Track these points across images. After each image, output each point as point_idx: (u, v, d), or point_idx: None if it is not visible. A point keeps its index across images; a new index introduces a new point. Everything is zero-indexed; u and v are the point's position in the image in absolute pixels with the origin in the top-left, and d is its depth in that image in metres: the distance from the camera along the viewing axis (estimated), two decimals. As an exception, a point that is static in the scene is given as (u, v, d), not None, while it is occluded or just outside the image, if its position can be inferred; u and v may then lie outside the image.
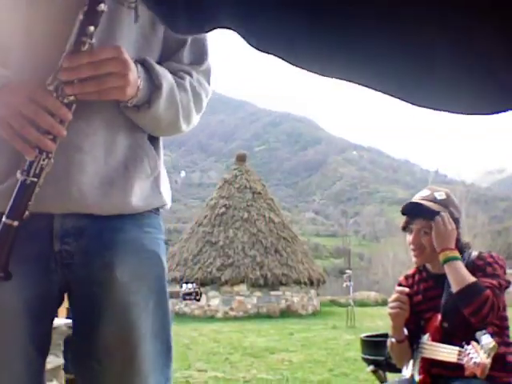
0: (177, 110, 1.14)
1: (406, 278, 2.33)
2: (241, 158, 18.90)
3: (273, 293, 15.73)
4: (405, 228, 2.25)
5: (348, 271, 14.72)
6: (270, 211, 17.32)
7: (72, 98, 0.98)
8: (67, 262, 1.08)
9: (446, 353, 1.99)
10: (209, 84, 1.23)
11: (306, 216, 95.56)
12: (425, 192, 2.23)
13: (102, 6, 0.97)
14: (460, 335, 2.04)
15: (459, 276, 2.02)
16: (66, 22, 1.00)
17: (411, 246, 2.19)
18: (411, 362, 2.26)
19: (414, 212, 2.18)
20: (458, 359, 1.90)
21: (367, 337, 3.42)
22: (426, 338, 2.17)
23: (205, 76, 1.22)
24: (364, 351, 3.31)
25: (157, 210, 1.19)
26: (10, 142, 0.98)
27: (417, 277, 2.29)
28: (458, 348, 1.92)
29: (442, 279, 2.17)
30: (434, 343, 2.10)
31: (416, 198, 2.22)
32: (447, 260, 2.06)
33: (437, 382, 2.13)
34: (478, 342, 1.86)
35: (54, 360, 2.08)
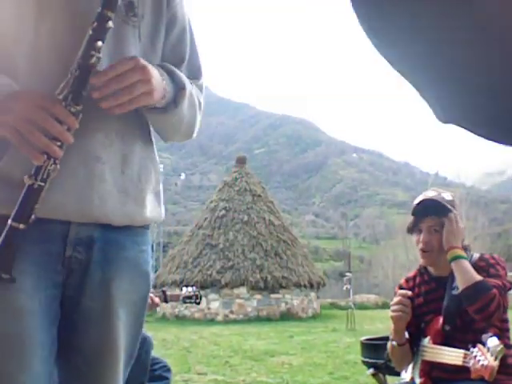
0: (195, 111, 1.24)
1: (407, 280, 2.32)
2: (241, 161, 18.90)
3: (273, 296, 15.71)
4: (411, 229, 2.23)
5: (348, 274, 14.72)
6: (269, 214, 17.32)
7: (79, 107, 1.02)
8: (73, 267, 1.14)
9: (451, 356, 1.98)
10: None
11: (305, 218, 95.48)
12: (431, 193, 2.22)
13: (110, 23, 1.04)
14: (461, 338, 2.03)
15: (467, 274, 2.01)
16: (71, 36, 1.06)
17: (420, 245, 2.17)
18: (411, 365, 2.26)
19: (425, 210, 2.16)
20: (464, 362, 1.89)
21: (367, 340, 3.41)
22: (426, 340, 2.16)
23: (200, 90, 1.33)
24: (364, 354, 3.30)
25: (148, 225, 1.27)
26: (18, 148, 1.02)
27: (418, 279, 2.28)
28: (463, 351, 1.91)
29: (443, 281, 2.16)
30: (437, 346, 2.09)
31: (422, 198, 2.21)
32: (455, 258, 2.05)
33: (437, 385, 2.12)
34: (483, 344, 1.85)
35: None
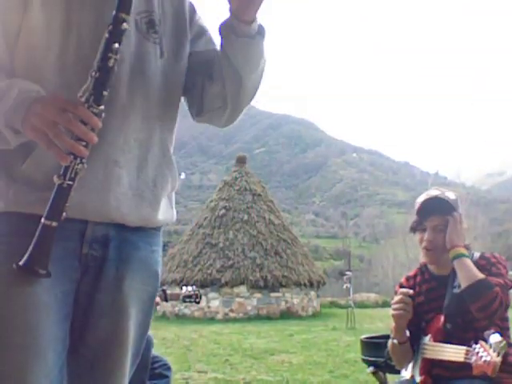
0: (265, 60, 1.29)
1: (408, 279, 2.33)
2: (241, 160, 18.90)
3: (273, 294, 15.71)
4: (415, 227, 2.23)
5: (348, 273, 14.71)
6: (270, 213, 17.32)
7: (101, 107, 1.07)
8: (89, 264, 1.20)
9: (452, 352, 1.97)
10: None
11: (306, 218, 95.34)
12: (435, 192, 2.22)
13: (125, 25, 1.09)
14: (462, 336, 2.04)
15: (469, 272, 2.02)
16: (96, 49, 1.11)
17: (424, 244, 2.17)
18: (411, 363, 2.26)
19: (430, 209, 2.16)
20: (466, 358, 1.88)
21: (367, 338, 3.42)
22: (427, 339, 2.16)
23: None
24: (364, 353, 3.31)
25: (160, 227, 1.32)
26: (46, 149, 1.06)
27: (418, 278, 2.28)
28: (465, 347, 1.90)
29: (444, 280, 2.17)
30: (438, 343, 2.10)
31: (427, 197, 2.21)
32: (458, 256, 2.06)
33: (438, 382, 2.13)
34: (485, 341, 1.86)
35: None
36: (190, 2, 1.37)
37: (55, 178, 1.06)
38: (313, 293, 16.89)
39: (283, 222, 17.99)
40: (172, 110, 1.31)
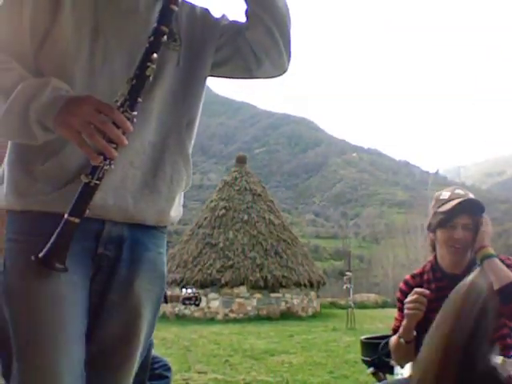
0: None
1: (413, 276, 2.32)
2: (241, 160, 18.90)
3: (273, 295, 15.71)
4: (442, 224, 2.18)
5: (348, 273, 14.71)
6: (270, 213, 17.32)
7: (134, 113, 1.12)
8: (102, 264, 1.24)
9: None
10: None
11: (306, 218, 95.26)
12: (460, 191, 2.23)
13: (165, 38, 1.17)
14: None
15: (502, 272, 2.00)
16: (120, 54, 1.21)
17: (453, 241, 2.15)
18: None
19: (464, 208, 2.14)
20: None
21: (367, 339, 3.42)
22: None
23: None
24: (364, 353, 3.32)
25: (166, 228, 1.37)
26: (78, 147, 1.09)
27: (426, 276, 2.27)
28: (500, 357, 1.87)
29: (456, 279, 2.16)
30: None
31: (454, 196, 2.20)
32: (488, 256, 2.05)
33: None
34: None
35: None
36: (205, 9, 1.41)
37: (83, 177, 1.09)
38: (313, 293, 16.88)
39: (283, 222, 17.99)
40: (189, 112, 1.35)
